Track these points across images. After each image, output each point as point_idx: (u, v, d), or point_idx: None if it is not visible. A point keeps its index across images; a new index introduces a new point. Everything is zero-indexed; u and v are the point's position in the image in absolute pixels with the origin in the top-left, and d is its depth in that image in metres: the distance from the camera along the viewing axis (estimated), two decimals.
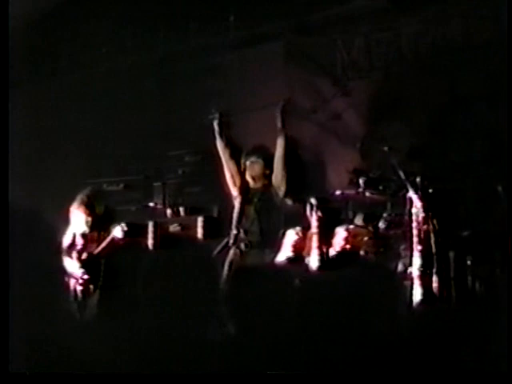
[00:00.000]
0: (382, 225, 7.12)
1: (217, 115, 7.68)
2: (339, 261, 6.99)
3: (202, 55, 9.87)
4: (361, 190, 7.40)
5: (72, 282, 7.36)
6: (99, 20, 10.12)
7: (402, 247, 6.84)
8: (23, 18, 10.02)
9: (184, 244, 8.15)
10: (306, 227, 7.06)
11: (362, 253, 7.03)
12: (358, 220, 7.33)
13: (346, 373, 5.54)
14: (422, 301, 6.38)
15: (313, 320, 6.12)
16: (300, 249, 7.09)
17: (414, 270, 6.50)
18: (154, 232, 8.09)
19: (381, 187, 7.35)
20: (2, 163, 6.15)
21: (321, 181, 8.52)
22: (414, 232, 6.56)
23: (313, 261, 6.91)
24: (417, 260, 6.50)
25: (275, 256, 7.14)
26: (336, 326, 5.98)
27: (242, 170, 7.65)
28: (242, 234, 7.43)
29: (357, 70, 8.88)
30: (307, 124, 8.63)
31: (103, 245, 7.32)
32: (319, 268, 6.87)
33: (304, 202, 7.08)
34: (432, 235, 6.55)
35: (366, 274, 6.77)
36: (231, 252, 7.43)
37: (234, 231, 7.45)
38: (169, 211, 8.76)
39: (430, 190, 6.72)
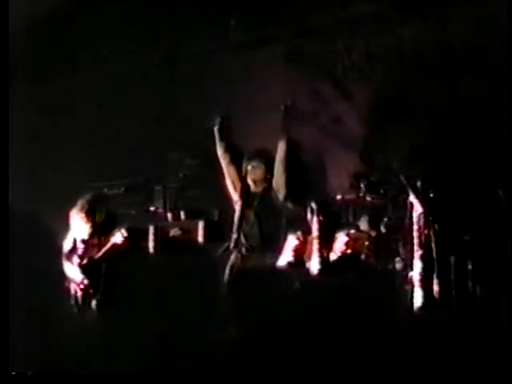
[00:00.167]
0: (382, 229, 7.13)
1: (217, 121, 7.68)
2: (340, 265, 6.99)
3: (203, 58, 9.86)
4: (362, 194, 7.40)
5: (73, 286, 7.34)
6: (100, 22, 10.12)
7: (403, 251, 6.84)
8: (25, 20, 10.04)
9: (185, 248, 8.15)
10: (307, 231, 7.06)
11: (362, 257, 7.02)
12: (359, 224, 7.33)
13: (346, 375, 5.54)
14: (422, 305, 6.38)
15: (313, 324, 6.12)
16: (301, 253, 7.08)
17: (415, 274, 6.50)
18: (155, 236, 8.08)
19: (382, 191, 7.36)
20: (2, 166, 6.14)
21: (321, 185, 8.50)
22: (415, 236, 6.56)
23: (313, 265, 6.91)
24: (418, 264, 6.50)
25: (276, 260, 7.14)
26: (337, 330, 5.98)
27: (244, 174, 7.64)
28: (242, 238, 7.42)
29: (358, 73, 8.87)
30: (308, 127, 8.61)
31: (104, 250, 7.31)
32: (320, 272, 6.87)
33: (305, 206, 7.08)
34: (433, 239, 6.55)
35: (366, 278, 6.77)
36: (232, 256, 7.43)
37: (235, 235, 7.45)
38: (169, 215, 8.77)
39: (431, 194, 6.72)
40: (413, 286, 6.47)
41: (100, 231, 7.38)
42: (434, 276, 6.46)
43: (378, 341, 5.80)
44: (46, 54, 10.76)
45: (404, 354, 5.65)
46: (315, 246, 6.93)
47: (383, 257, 7.01)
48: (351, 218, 7.49)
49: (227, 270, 7.36)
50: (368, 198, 7.38)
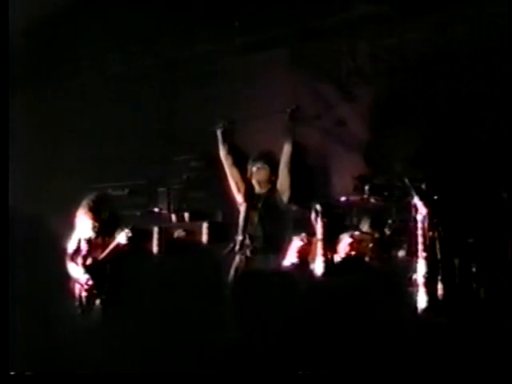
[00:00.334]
0: (386, 231, 7.13)
1: (220, 124, 7.68)
2: (344, 267, 6.99)
3: (207, 61, 9.88)
4: (366, 196, 7.41)
5: (77, 287, 7.34)
6: (104, 25, 10.13)
7: (407, 254, 6.84)
8: (26, 21, 10.05)
9: (189, 249, 8.16)
10: (311, 233, 7.06)
11: (366, 259, 7.03)
12: (363, 226, 7.34)
13: (351, 377, 5.54)
14: (427, 307, 6.38)
15: (318, 325, 6.12)
16: (305, 255, 7.09)
17: (419, 276, 6.49)
18: (159, 237, 8.10)
19: (386, 193, 7.37)
20: (3, 167, 6.15)
21: (326, 187, 8.53)
22: (419, 239, 6.56)
23: (318, 267, 6.91)
24: (422, 267, 6.50)
25: (280, 262, 7.14)
26: (341, 332, 5.98)
27: (248, 175, 7.65)
28: (247, 240, 7.42)
29: (361, 75, 8.89)
30: (312, 130, 8.63)
31: (108, 250, 7.30)
32: (324, 274, 6.87)
33: (309, 208, 7.08)
34: (437, 242, 6.55)
35: (370, 280, 6.77)
36: (236, 258, 7.43)
37: (240, 237, 7.45)
38: (173, 216, 8.77)
39: (435, 197, 6.72)
40: (417, 288, 6.47)
41: (104, 232, 7.38)
42: (439, 278, 6.46)
43: (383, 342, 5.79)
44: (48, 55, 10.78)
45: (408, 355, 5.64)
46: (319, 247, 6.92)
47: (387, 259, 7.02)
48: (355, 220, 7.50)
49: (232, 272, 7.36)
50: (372, 200, 7.38)
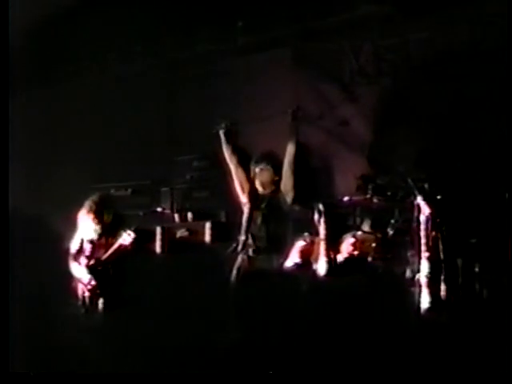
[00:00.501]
0: (389, 231, 7.13)
1: (223, 125, 7.67)
2: (347, 267, 7.00)
3: (210, 61, 9.88)
4: (369, 196, 7.41)
5: (80, 287, 7.35)
6: (105, 25, 10.13)
7: (410, 254, 6.84)
8: (28, 22, 10.06)
9: (192, 249, 8.16)
10: (314, 233, 7.06)
11: (369, 259, 7.03)
12: (366, 226, 7.34)
13: (354, 377, 5.54)
14: (429, 307, 6.38)
15: (320, 326, 6.11)
16: (308, 255, 7.09)
17: (422, 276, 6.50)
18: (162, 237, 8.11)
19: (389, 193, 7.36)
20: (3, 167, 6.15)
21: (329, 187, 8.52)
22: (422, 238, 6.56)
23: (321, 267, 6.92)
24: (425, 266, 6.51)
25: (283, 262, 7.14)
26: (344, 332, 5.97)
27: (252, 176, 7.64)
28: (250, 240, 7.42)
29: (364, 76, 8.88)
30: (315, 130, 8.62)
31: (111, 251, 7.30)
32: (327, 274, 6.88)
33: (312, 208, 7.08)
34: (440, 242, 6.55)
35: (373, 280, 6.77)
36: (239, 258, 7.42)
37: (243, 237, 7.44)
38: (176, 216, 8.78)
39: (438, 197, 6.72)
40: (420, 288, 6.48)
41: (107, 232, 7.38)
42: (441, 278, 6.46)
43: (385, 342, 5.78)
44: (49, 55, 10.80)
45: (411, 355, 5.64)
46: (322, 247, 6.94)
47: (390, 259, 7.02)
48: (358, 220, 7.50)
49: (234, 272, 7.36)
50: (375, 200, 7.38)
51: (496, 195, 7.07)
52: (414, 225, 6.66)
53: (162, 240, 8.13)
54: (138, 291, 7.07)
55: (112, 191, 9.30)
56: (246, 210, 7.55)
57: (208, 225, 8.28)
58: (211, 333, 6.34)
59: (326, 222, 6.96)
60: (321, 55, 9.10)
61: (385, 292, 6.42)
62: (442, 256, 6.54)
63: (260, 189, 7.55)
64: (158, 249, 8.06)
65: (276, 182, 7.52)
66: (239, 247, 7.45)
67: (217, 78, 9.81)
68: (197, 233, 8.32)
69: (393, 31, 8.72)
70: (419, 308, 6.40)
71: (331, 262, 6.92)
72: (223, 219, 8.68)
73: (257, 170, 7.59)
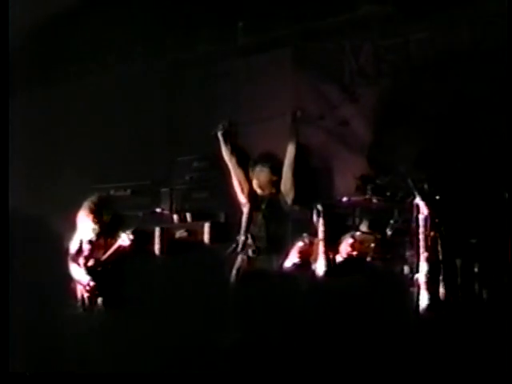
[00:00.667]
0: (388, 231, 7.13)
1: (221, 126, 7.66)
2: (346, 267, 6.99)
3: (211, 61, 9.88)
4: (368, 196, 7.41)
5: (79, 288, 7.35)
6: (106, 26, 10.15)
7: (409, 254, 6.83)
8: (29, 23, 10.08)
9: (191, 249, 8.16)
10: (313, 234, 7.06)
11: (368, 259, 7.03)
12: (365, 226, 7.33)
13: (352, 377, 5.53)
14: (428, 307, 6.37)
15: (320, 326, 6.11)
16: (307, 255, 7.09)
17: (421, 276, 6.50)
18: (161, 238, 8.10)
19: (388, 194, 7.36)
20: (3, 168, 6.16)
21: (328, 187, 8.51)
22: (421, 239, 6.56)
23: (319, 267, 6.92)
24: (423, 267, 6.50)
25: (282, 262, 7.14)
26: (343, 332, 5.97)
27: (251, 175, 7.64)
28: (249, 241, 7.42)
29: (365, 76, 8.87)
30: (315, 130, 8.61)
31: (110, 252, 7.31)
32: (326, 274, 6.88)
33: (311, 209, 7.08)
34: (439, 242, 6.55)
35: (372, 280, 6.76)
36: (239, 258, 7.42)
37: (243, 238, 7.45)
38: (176, 217, 8.77)
39: (437, 197, 6.72)
40: (419, 289, 6.47)
41: (106, 233, 7.38)
42: (440, 279, 6.45)
43: (384, 343, 5.78)
44: (50, 55, 10.82)
45: (410, 355, 5.63)
46: (321, 248, 6.93)
47: (389, 259, 7.01)
48: (357, 221, 7.50)
49: (234, 272, 7.36)
50: (374, 201, 7.37)
51: (495, 195, 7.06)
52: (413, 225, 6.66)
53: (161, 240, 8.12)
54: (136, 292, 7.06)
55: (111, 192, 9.30)
56: (245, 210, 7.55)
57: (207, 225, 8.27)
58: (211, 333, 6.34)
59: (325, 223, 6.96)
60: (321, 56, 9.10)
61: (384, 292, 6.41)
62: (441, 256, 6.54)
63: (258, 190, 7.55)
64: (156, 249, 8.06)
65: (274, 183, 7.52)
66: (239, 248, 7.46)
67: (217, 78, 9.81)
68: (196, 233, 8.31)
69: (393, 31, 8.71)
70: (418, 308, 6.39)
71: (330, 262, 6.91)
72: (222, 220, 8.68)
73: (254, 171, 7.59)
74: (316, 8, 8.94)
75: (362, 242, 7.05)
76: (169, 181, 9.60)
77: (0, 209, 6.00)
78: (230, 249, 7.51)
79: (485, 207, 7.08)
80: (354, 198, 7.55)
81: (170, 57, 10.18)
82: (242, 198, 7.66)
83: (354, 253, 7.02)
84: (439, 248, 6.53)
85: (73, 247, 7.46)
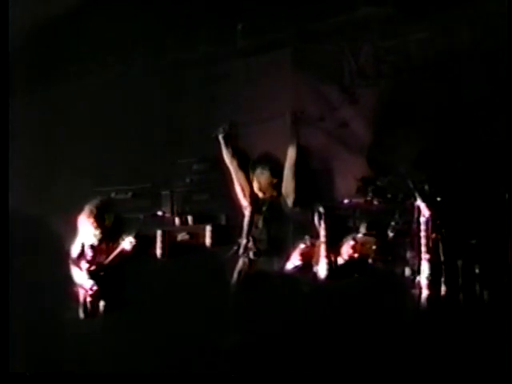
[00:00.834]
0: (389, 233, 7.14)
1: (221, 129, 7.67)
2: (347, 269, 7.00)
3: (210, 63, 9.88)
4: (369, 198, 7.42)
5: (81, 292, 7.34)
6: (107, 28, 10.14)
7: (410, 255, 6.84)
8: (30, 23, 10.08)
9: (192, 252, 8.16)
10: (315, 236, 7.07)
11: (370, 261, 7.04)
12: (366, 228, 7.34)
13: (354, 379, 5.54)
14: (429, 309, 6.38)
15: (321, 328, 6.11)
16: (308, 257, 7.09)
17: (422, 278, 6.51)
18: (163, 240, 8.10)
19: (389, 195, 7.37)
20: (3, 170, 6.17)
21: (329, 189, 8.51)
22: (422, 240, 6.58)
23: (321, 269, 6.93)
24: (425, 268, 6.52)
25: (284, 265, 7.15)
26: (344, 334, 5.98)
27: (252, 177, 7.64)
28: (251, 243, 7.42)
29: (364, 77, 8.86)
30: (315, 132, 8.61)
31: (112, 256, 7.30)
32: (327, 276, 6.88)
33: (312, 211, 7.08)
34: (440, 243, 6.56)
35: (374, 282, 6.77)
36: (240, 261, 7.43)
37: (244, 240, 7.45)
38: (177, 219, 8.77)
39: (438, 199, 6.72)
40: (420, 290, 6.48)
41: (108, 236, 7.37)
42: (442, 280, 6.46)
43: (387, 344, 5.79)
44: (50, 56, 10.81)
45: (412, 356, 5.64)
46: (323, 250, 6.94)
47: (390, 261, 7.02)
48: (358, 223, 7.50)
49: (235, 275, 7.36)
50: (375, 203, 7.39)
51: (496, 196, 7.06)
52: (414, 226, 6.67)
53: (163, 243, 8.13)
54: (138, 295, 7.07)
55: (112, 194, 9.30)
56: (246, 213, 7.55)
57: (209, 228, 8.29)
58: (213, 335, 6.35)
59: (326, 225, 6.97)
60: (321, 57, 9.09)
61: (385, 294, 6.42)
62: (442, 258, 6.55)
63: (259, 193, 7.55)
64: (158, 252, 8.06)
65: (275, 185, 7.52)
66: (240, 250, 7.46)
67: (217, 80, 9.80)
68: (197, 236, 8.32)
69: (393, 32, 8.70)
70: (420, 309, 6.40)
71: (332, 264, 6.92)
72: (224, 222, 8.69)
73: (255, 173, 7.59)
74: (315, 9, 8.93)
75: (363, 244, 7.07)
76: (169, 183, 9.61)
77: (0, 210, 6.00)
78: (232, 251, 7.51)
79: (485, 208, 7.09)
80: (354, 200, 7.57)
81: (169, 58, 10.17)
82: (244, 201, 7.66)
83: (356, 255, 7.03)
84: (440, 249, 6.54)
85: (74, 251, 7.45)
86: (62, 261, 7.45)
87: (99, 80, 10.60)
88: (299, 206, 7.50)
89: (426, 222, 6.58)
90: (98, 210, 7.35)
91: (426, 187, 6.79)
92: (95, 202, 7.44)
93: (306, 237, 7.18)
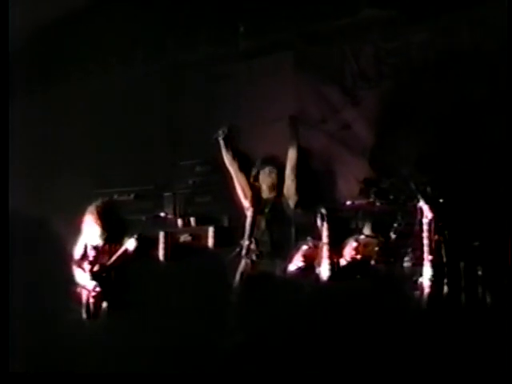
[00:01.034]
0: (392, 235, 7.14)
1: (221, 132, 7.68)
2: (350, 271, 7.00)
3: (212, 65, 9.89)
4: (371, 200, 7.42)
5: (84, 293, 7.34)
6: (108, 29, 10.15)
7: (413, 257, 6.85)
8: (31, 25, 10.09)
9: (195, 254, 8.16)
10: (317, 238, 7.08)
11: (372, 263, 7.04)
12: (369, 230, 7.34)
13: (356, 381, 5.54)
14: (432, 310, 6.38)
15: (323, 330, 6.12)
16: (311, 259, 7.10)
17: (425, 279, 6.51)
18: (165, 242, 8.10)
19: (391, 197, 7.37)
20: (3, 171, 6.17)
21: (331, 191, 8.52)
22: (425, 242, 6.58)
23: (324, 271, 6.93)
24: (427, 270, 6.52)
25: (286, 266, 7.16)
26: (347, 336, 5.98)
27: (254, 178, 7.65)
28: (253, 245, 7.43)
29: (366, 79, 8.87)
30: (317, 134, 8.64)
31: (115, 257, 7.30)
32: (330, 278, 6.89)
33: (314, 213, 7.09)
34: (442, 245, 6.56)
35: (376, 283, 6.78)
36: (243, 262, 7.44)
37: (247, 242, 7.46)
38: (179, 221, 8.77)
39: (441, 200, 6.73)
40: (423, 292, 6.48)
41: (111, 238, 7.37)
42: (444, 282, 6.47)
43: (389, 345, 5.79)
44: (51, 57, 10.83)
45: (414, 357, 5.64)
46: (325, 251, 6.95)
47: (393, 262, 7.02)
48: (361, 224, 7.51)
49: (237, 276, 7.37)
50: (377, 204, 7.39)
51: (498, 198, 7.07)
52: (417, 228, 6.67)
53: (165, 245, 8.12)
54: (141, 296, 7.07)
55: (115, 196, 9.30)
56: (249, 214, 7.57)
57: (211, 229, 8.28)
58: (215, 337, 6.35)
59: (329, 226, 6.97)
60: (322, 59, 9.11)
61: (388, 295, 6.42)
62: (444, 259, 6.55)
63: (264, 191, 7.57)
64: (161, 254, 8.06)
65: (278, 187, 7.54)
66: (243, 252, 7.47)
67: (219, 82, 9.81)
68: (200, 237, 8.32)
69: (394, 34, 8.72)
70: (422, 311, 6.40)
71: (334, 266, 6.93)
72: (226, 224, 8.69)
73: (261, 172, 7.60)
74: (317, 11, 8.94)
75: (365, 246, 7.07)
76: (172, 185, 9.63)
77: (1, 211, 6.01)
78: (234, 253, 7.52)
79: (488, 210, 7.10)
80: (357, 202, 7.58)
81: (171, 61, 10.18)
82: (245, 203, 7.68)
83: (358, 256, 7.04)
84: (443, 251, 6.55)
85: (77, 252, 7.45)
86: (63, 261, 7.45)
87: (100, 82, 10.61)
88: (301, 208, 7.52)
89: (429, 224, 6.59)
90: (102, 211, 7.36)
91: (429, 189, 6.79)
92: (99, 203, 7.45)
93: (309, 238, 7.19)
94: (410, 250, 6.92)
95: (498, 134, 7.54)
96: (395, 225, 7.17)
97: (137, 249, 7.18)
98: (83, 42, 10.50)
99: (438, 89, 8.18)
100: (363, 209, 7.57)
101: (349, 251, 7.06)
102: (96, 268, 7.32)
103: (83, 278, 7.33)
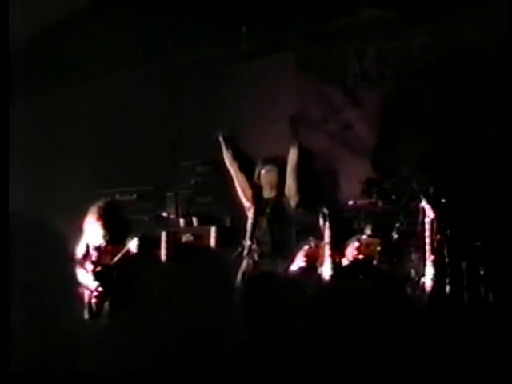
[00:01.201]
0: (394, 235, 7.15)
1: (220, 132, 7.69)
2: (352, 270, 7.01)
3: (214, 65, 9.89)
4: (373, 200, 7.43)
5: (86, 293, 7.34)
6: (109, 30, 10.15)
7: (415, 257, 6.85)
8: (31, 26, 10.09)
9: (197, 254, 8.16)
10: (319, 238, 7.08)
11: (374, 263, 7.04)
12: (371, 230, 7.35)
13: (358, 381, 5.55)
14: (434, 310, 6.39)
15: (325, 330, 6.12)
16: (313, 259, 7.10)
17: (427, 279, 6.52)
18: (167, 242, 8.11)
19: (393, 197, 7.38)
20: (4, 172, 6.17)
21: (333, 191, 8.53)
22: (427, 242, 6.59)
23: (326, 271, 6.93)
24: (429, 270, 6.53)
25: (288, 266, 7.16)
26: (349, 336, 5.98)
27: (256, 178, 7.65)
28: (255, 245, 7.44)
29: (368, 80, 8.88)
30: (318, 134, 8.64)
31: (118, 257, 7.30)
32: (332, 278, 6.89)
33: (316, 213, 7.10)
34: (445, 245, 6.57)
35: (378, 283, 6.78)
36: (244, 262, 7.44)
37: (248, 242, 7.46)
38: (182, 221, 8.78)
39: (443, 200, 6.74)
40: (425, 292, 6.49)
41: (113, 238, 7.37)
42: (446, 282, 6.47)
43: (390, 345, 5.79)
44: (52, 59, 10.83)
45: (416, 357, 5.65)
46: (327, 251, 6.95)
47: (395, 262, 7.02)
48: (363, 224, 7.51)
49: (239, 276, 7.37)
50: (379, 204, 7.40)
51: (500, 198, 7.08)
52: (419, 228, 6.68)
53: (168, 245, 8.13)
54: (143, 296, 7.07)
55: (117, 196, 9.31)
56: (250, 214, 7.57)
57: (213, 229, 8.29)
58: (217, 337, 6.35)
59: (331, 226, 6.98)
60: (324, 59, 9.11)
61: (390, 295, 6.43)
62: (446, 259, 6.56)
63: (266, 190, 7.57)
64: (163, 253, 8.06)
65: (281, 186, 7.54)
66: (244, 252, 7.47)
67: (220, 82, 9.81)
68: (202, 237, 8.33)
69: (396, 35, 8.72)
70: (424, 311, 6.40)
71: (336, 266, 6.93)
72: (228, 224, 8.70)
73: (263, 171, 7.60)
74: (319, 12, 8.95)
75: (367, 246, 7.08)
76: (173, 185, 9.63)
77: (1, 211, 6.01)
78: (236, 253, 7.52)
79: (490, 210, 7.10)
80: (359, 202, 7.58)
81: (172, 61, 10.18)
82: (246, 203, 7.68)
83: (360, 256, 7.04)
84: (445, 251, 6.55)
85: (79, 252, 7.45)
86: (63, 261, 7.45)
87: (102, 83, 10.62)
88: (303, 208, 7.52)
89: (431, 224, 6.60)
90: (104, 211, 7.37)
91: (431, 189, 6.80)
92: (101, 203, 7.45)
93: (310, 238, 7.19)
94: (411, 249, 6.92)
95: (499, 134, 7.54)
96: (397, 225, 7.18)
97: (139, 249, 7.19)
98: (83, 42, 10.50)
99: (439, 89, 8.19)
100: (365, 209, 7.58)
101: (351, 251, 7.06)
102: (98, 268, 7.33)
103: (85, 278, 7.33)
